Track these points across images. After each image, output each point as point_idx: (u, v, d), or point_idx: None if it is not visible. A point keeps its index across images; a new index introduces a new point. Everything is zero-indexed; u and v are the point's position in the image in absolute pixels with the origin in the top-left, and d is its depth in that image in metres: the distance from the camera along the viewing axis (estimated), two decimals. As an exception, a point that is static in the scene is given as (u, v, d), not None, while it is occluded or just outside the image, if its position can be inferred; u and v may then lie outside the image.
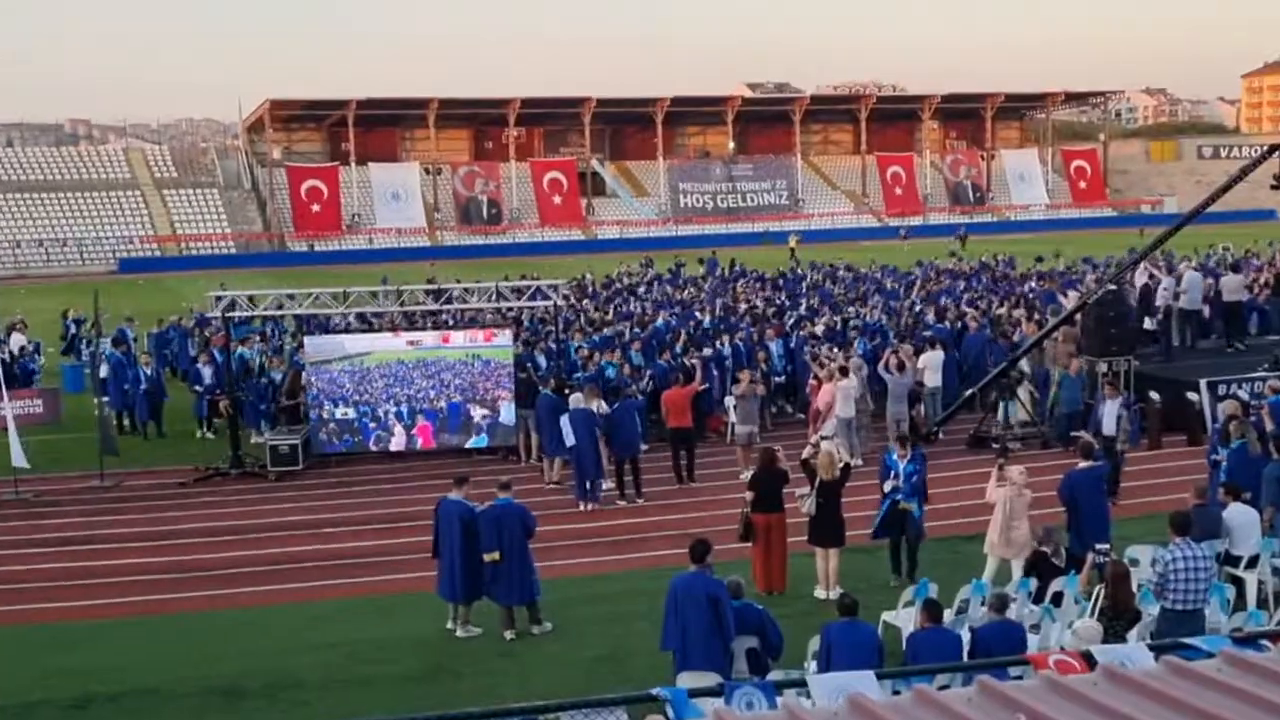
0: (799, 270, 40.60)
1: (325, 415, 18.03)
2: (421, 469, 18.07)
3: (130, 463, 18.71)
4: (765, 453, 12.18)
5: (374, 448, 18.12)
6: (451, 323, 22.62)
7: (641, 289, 34.51)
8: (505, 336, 18.63)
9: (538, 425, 17.13)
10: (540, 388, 17.63)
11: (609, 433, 15.68)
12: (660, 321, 23.53)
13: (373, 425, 18.05)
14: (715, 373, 19.69)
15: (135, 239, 68.99)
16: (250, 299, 19.23)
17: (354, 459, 18.37)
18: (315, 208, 72.79)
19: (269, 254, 69.25)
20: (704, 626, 8.38)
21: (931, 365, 19.66)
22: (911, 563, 11.68)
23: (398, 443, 18.03)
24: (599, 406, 15.87)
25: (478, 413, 18.23)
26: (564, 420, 15.69)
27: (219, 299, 18.36)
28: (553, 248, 70.44)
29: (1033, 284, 30.99)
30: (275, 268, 59.91)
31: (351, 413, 18.38)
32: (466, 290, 20.50)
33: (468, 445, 18.35)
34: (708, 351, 19.66)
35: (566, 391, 16.85)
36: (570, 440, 15.52)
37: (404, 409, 18.09)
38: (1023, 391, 18.76)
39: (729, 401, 18.61)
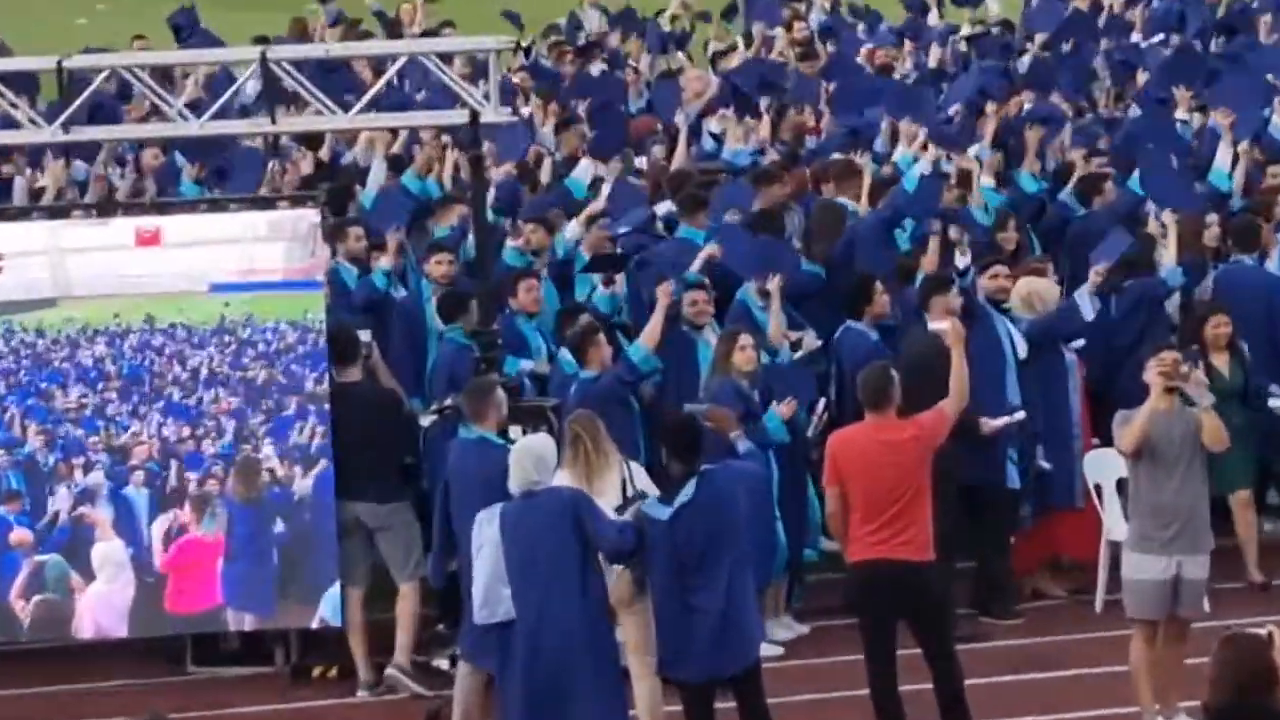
0: None
1: None
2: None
3: None
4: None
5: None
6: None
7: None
8: (304, 232, 11.23)
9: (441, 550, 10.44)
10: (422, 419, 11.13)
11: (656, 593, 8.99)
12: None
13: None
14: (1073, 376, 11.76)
15: None
16: None
17: None
18: None
19: None
20: None
21: None
22: None
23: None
24: (628, 489, 9.68)
25: (219, 517, 11.12)
26: (478, 542, 9.58)
27: None
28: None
29: None
30: None
31: None
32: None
33: (193, 626, 11.35)
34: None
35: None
36: (487, 611, 9.46)
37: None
38: None
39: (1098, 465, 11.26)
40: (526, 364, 11.56)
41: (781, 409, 10.83)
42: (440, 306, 11.58)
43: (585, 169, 13.30)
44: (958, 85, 15.98)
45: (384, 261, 11.98)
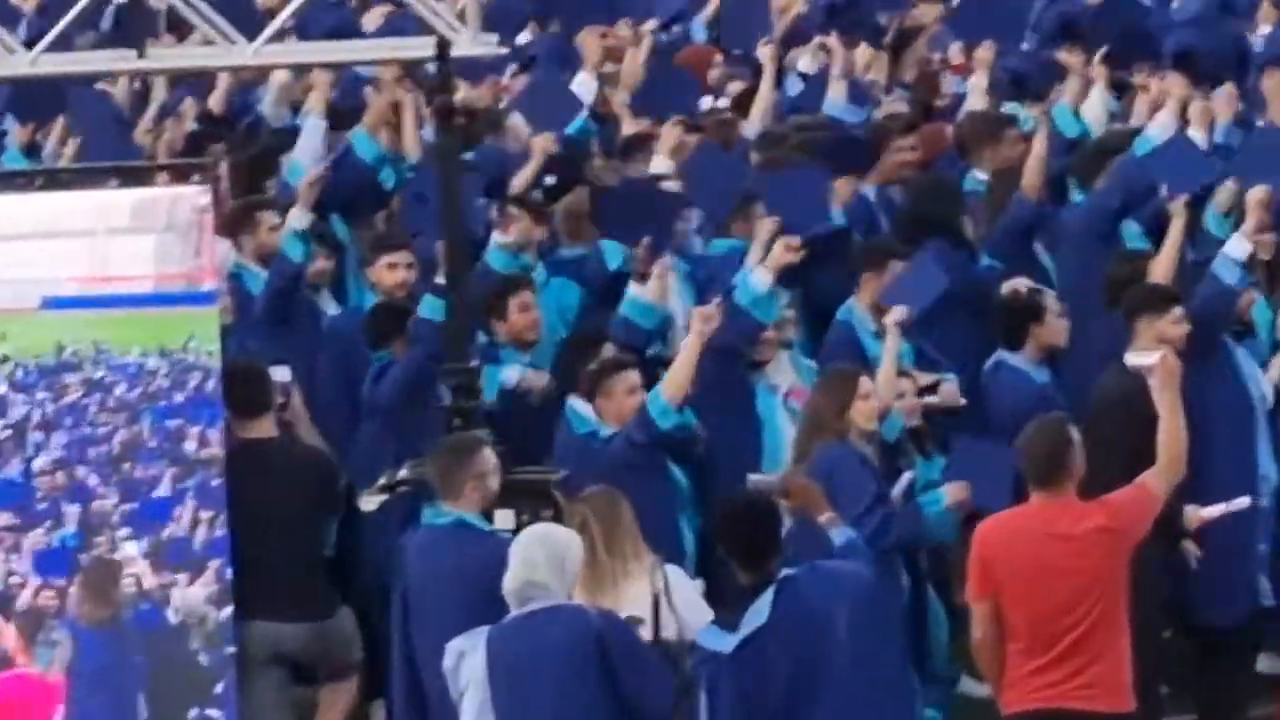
0: None
1: None
2: None
3: None
4: None
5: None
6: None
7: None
8: (186, 220, 10.53)
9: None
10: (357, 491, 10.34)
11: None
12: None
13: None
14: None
15: None
16: None
17: None
18: None
19: None
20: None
21: None
22: None
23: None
24: (660, 606, 9.65)
25: (60, 646, 10.74)
26: (457, 685, 9.11)
27: None
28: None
29: None
30: None
31: None
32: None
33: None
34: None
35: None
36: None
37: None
38: None
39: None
40: (513, 372, 10.12)
41: (953, 491, 9.53)
42: (370, 323, 10.28)
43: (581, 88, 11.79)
44: None
45: (294, 217, 10.35)
